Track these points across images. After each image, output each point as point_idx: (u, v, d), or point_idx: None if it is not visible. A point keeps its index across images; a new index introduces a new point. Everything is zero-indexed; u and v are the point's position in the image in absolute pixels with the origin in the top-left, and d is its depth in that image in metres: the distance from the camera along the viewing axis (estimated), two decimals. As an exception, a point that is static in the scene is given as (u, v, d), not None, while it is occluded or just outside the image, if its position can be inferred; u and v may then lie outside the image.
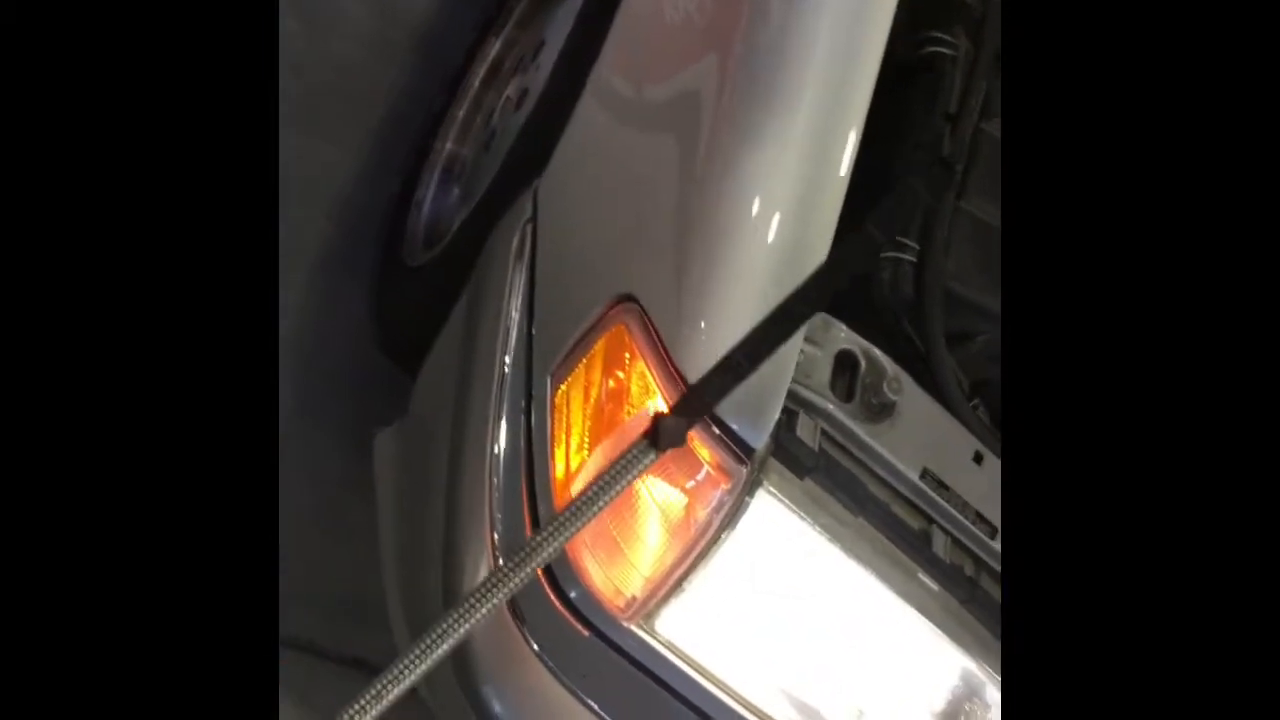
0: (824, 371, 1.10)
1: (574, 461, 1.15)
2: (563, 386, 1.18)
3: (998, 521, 1.14)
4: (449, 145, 1.85)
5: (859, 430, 1.10)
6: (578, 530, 0.93)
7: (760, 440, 1.04)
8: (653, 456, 0.92)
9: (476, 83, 1.88)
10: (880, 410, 1.12)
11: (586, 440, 1.14)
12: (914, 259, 1.20)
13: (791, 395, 1.07)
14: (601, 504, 0.92)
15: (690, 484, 1.08)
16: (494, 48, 1.88)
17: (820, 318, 1.11)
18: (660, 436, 0.91)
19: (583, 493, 0.92)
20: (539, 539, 0.92)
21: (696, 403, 0.95)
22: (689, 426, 0.93)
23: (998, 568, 1.15)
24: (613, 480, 0.91)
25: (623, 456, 0.92)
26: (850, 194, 1.10)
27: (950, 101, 1.27)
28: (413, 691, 1.46)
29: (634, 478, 0.93)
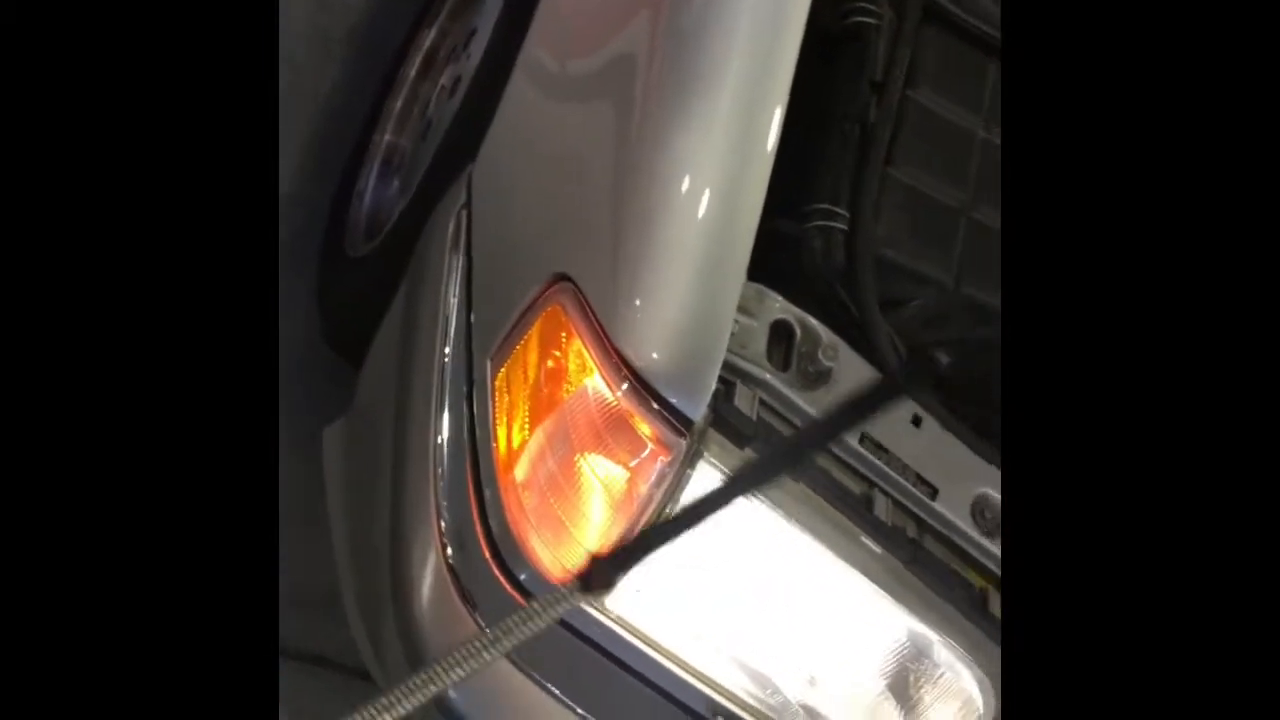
0: (760, 341, 1.11)
1: (516, 442, 1.15)
2: (502, 369, 1.18)
3: (937, 482, 1.15)
4: (387, 137, 1.85)
5: (796, 398, 1.11)
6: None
7: (698, 412, 1.05)
8: (577, 599, 0.91)
9: (412, 74, 1.87)
10: (817, 378, 1.13)
11: (527, 421, 1.15)
12: (844, 226, 1.21)
13: (728, 366, 1.08)
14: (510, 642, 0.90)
15: (632, 460, 1.08)
16: (428, 38, 1.88)
17: (754, 288, 1.12)
18: (592, 579, 0.90)
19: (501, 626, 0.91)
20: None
21: (635, 553, 0.94)
22: (620, 576, 0.92)
23: (939, 528, 1.17)
24: (533, 615, 0.90)
25: (550, 596, 0.92)
26: (777, 167, 1.11)
27: (875, 70, 1.28)
28: (368, 679, 1.48)
29: (557, 615, 0.91)
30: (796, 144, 1.24)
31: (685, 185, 1.09)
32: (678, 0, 1.17)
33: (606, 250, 1.12)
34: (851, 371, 1.15)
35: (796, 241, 1.22)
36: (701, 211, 1.09)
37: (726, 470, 1.07)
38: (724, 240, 1.07)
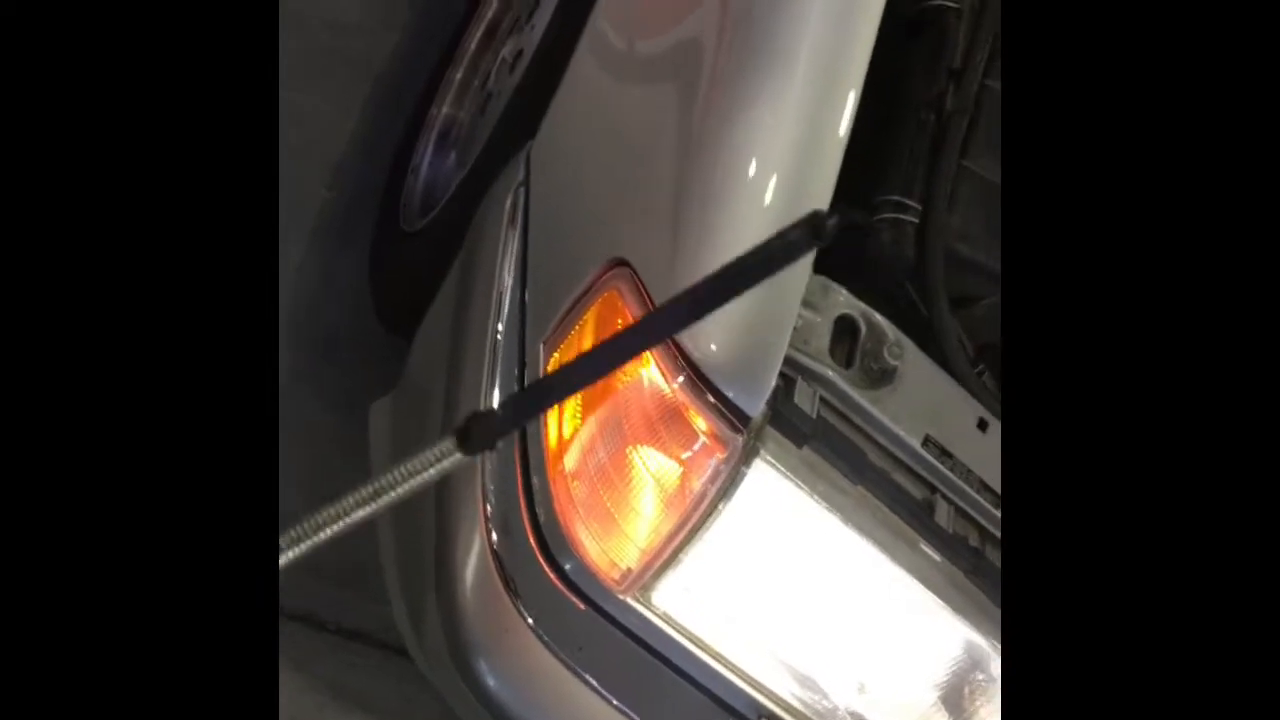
0: (823, 337, 1.07)
1: (567, 430, 1.12)
2: (555, 354, 1.15)
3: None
4: (445, 109, 1.82)
5: (859, 397, 1.07)
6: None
7: (757, 408, 1.01)
8: (457, 458, 0.84)
9: (473, 45, 1.84)
10: (881, 376, 1.09)
11: (579, 410, 1.11)
12: (915, 219, 1.16)
13: (789, 362, 1.04)
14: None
15: (685, 454, 1.05)
16: (490, 9, 1.85)
17: (819, 281, 1.08)
18: (472, 437, 0.82)
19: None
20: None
21: (519, 410, 0.88)
22: (501, 433, 0.84)
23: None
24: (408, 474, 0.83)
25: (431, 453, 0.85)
26: (848, 155, 1.07)
27: (954, 57, 1.23)
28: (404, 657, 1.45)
29: (436, 475, 0.85)
30: (869, 132, 1.19)
31: (751, 171, 1.05)
32: (750, -20, 1.13)
33: (667, 236, 1.08)
34: (918, 371, 1.11)
35: (865, 233, 1.17)
36: (768, 199, 1.05)
37: (784, 470, 1.03)
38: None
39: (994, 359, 1.21)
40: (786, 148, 1.06)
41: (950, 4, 1.24)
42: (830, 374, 1.06)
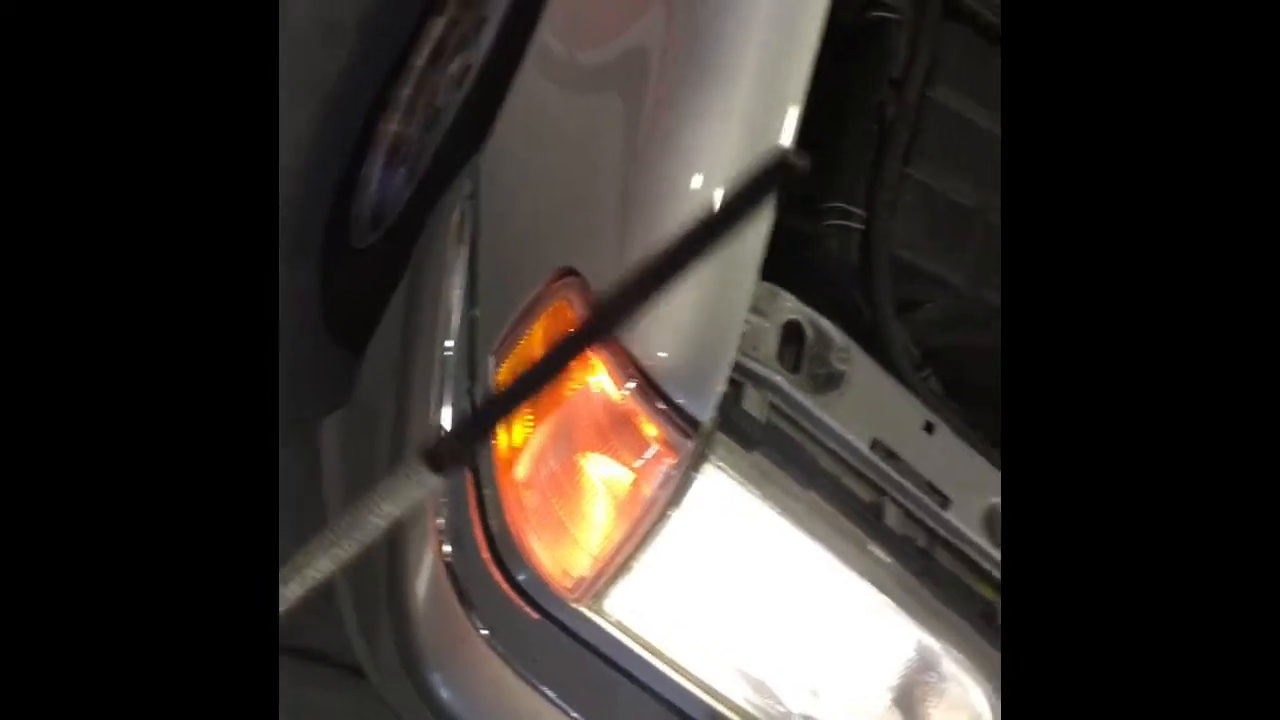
0: (770, 343, 1.08)
1: (517, 439, 1.12)
2: (505, 365, 1.15)
3: (950, 492, 1.13)
4: (394, 126, 1.82)
5: (807, 401, 1.08)
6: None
7: (706, 414, 1.02)
8: (429, 480, 0.83)
9: (421, 62, 1.84)
10: (828, 381, 1.10)
11: (530, 420, 1.12)
12: (860, 225, 1.18)
13: (737, 367, 1.05)
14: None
15: (636, 461, 1.05)
16: (438, 26, 1.85)
17: (766, 287, 1.09)
18: (442, 457, 0.82)
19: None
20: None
21: (483, 423, 0.88)
22: (470, 449, 0.84)
23: (950, 539, 1.14)
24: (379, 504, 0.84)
25: (396, 479, 0.85)
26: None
27: (895, 67, 1.25)
28: (363, 678, 1.45)
29: (409, 504, 0.85)
30: (813, 141, 1.21)
31: (696, 181, 1.06)
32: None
33: (614, 244, 1.09)
34: (865, 376, 1.12)
35: (811, 240, 1.19)
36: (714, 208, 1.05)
37: (734, 474, 1.04)
38: (735, 240, 1.04)
39: (940, 363, 1.23)
40: (731, 159, 1.07)
41: (890, 15, 1.26)
42: (778, 379, 1.07)
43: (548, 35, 1.33)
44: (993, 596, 1.16)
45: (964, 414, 1.18)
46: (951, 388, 1.32)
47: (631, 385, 1.02)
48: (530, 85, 1.32)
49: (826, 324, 1.12)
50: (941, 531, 1.13)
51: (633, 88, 1.17)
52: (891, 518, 1.11)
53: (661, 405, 1.01)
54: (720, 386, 1.02)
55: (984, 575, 1.15)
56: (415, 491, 0.83)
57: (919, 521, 1.13)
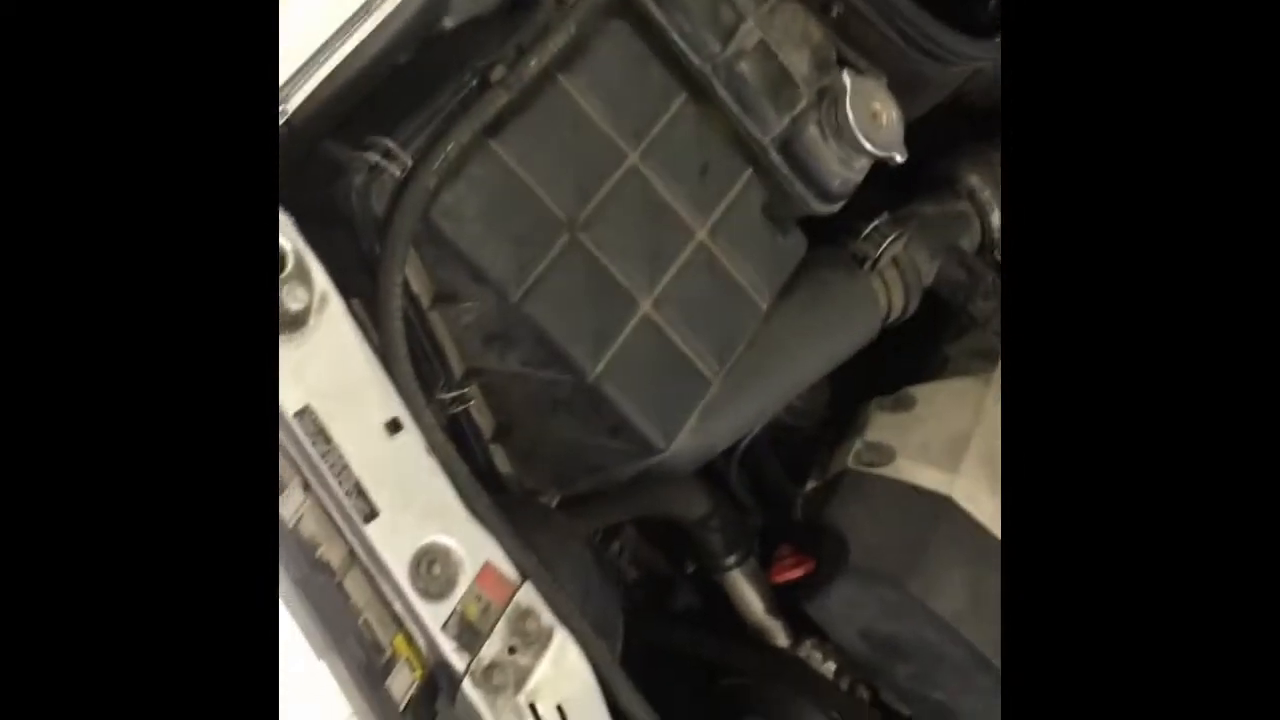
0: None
1: None
2: None
3: (381, 504, 0.92)
4: None
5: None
6: None
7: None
8: None
9: None
10: (294, 320, 0.89)
11: None
12: (399, 173, 0.98)
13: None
14: None
15: None
16: None
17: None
18: None
19: None
20: None
21: None
22: None
23: (365, 561, 0.92)
24: None
25: None
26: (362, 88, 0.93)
27: (528, 35, 1.08)
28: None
29: None
30: (402, 73, 1.03)
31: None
32: None
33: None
34: (335, 334, 0.92)
35: (339, 168, 0.99)
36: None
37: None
38: None
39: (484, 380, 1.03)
40: None
41: None
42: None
43: None
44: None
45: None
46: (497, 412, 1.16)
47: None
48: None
49: (312, 258, 0.91)
50: (355, 545, 0.92)
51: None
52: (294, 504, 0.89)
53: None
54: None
55: (394, 617, 0.94)
56: None
57: (332, 523, 0.91)
